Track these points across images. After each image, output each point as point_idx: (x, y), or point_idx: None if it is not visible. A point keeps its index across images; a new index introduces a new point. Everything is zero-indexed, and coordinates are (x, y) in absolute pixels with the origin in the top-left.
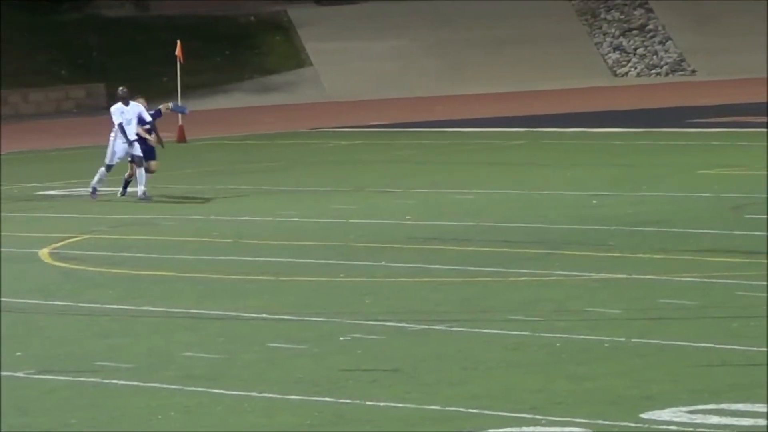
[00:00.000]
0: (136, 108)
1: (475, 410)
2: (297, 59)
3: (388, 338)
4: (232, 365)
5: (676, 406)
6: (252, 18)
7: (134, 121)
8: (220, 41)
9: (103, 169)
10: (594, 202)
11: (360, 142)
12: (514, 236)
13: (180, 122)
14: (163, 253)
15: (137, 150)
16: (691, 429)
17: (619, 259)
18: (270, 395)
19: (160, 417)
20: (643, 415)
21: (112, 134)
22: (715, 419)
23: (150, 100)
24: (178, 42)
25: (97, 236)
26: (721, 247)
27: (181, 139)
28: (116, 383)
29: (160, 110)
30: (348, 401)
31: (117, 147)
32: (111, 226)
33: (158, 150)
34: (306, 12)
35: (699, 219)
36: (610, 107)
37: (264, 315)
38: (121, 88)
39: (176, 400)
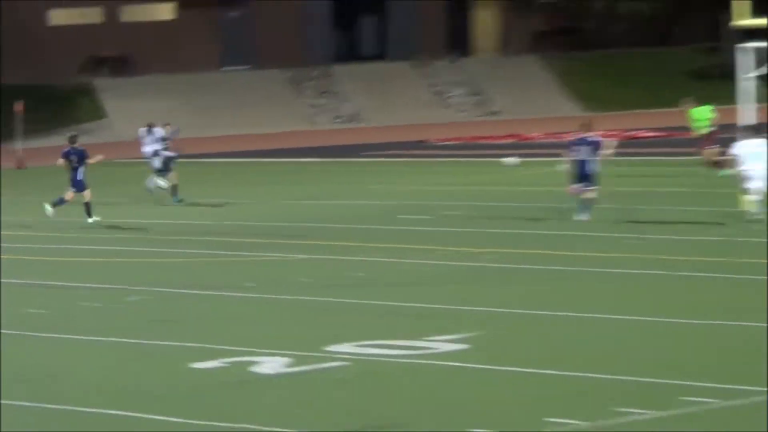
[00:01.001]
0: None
1: (235, 348)
2: (99, 113)
3: (161, 299)
4: (61, 318)
5: (351, 342)
6: (68, 87)
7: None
8: (48, 101)
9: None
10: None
11: (141, 169)
12: (244, 231)
13: (21, 153)
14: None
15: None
16: (361, 357)
17: (316, 246)
18: (84, 337)
19: (11, 357)
20: (328, 348)
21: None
22: (377, 351)
23: None
24: (22, 102)
25: None
26: (384, 237)
27: (21, 166)
28: None
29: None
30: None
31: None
32: None
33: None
34: (105, 82)
35: (368, 219)
36: (307, 144)
37: (73, 284)
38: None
39: (24, 343)
